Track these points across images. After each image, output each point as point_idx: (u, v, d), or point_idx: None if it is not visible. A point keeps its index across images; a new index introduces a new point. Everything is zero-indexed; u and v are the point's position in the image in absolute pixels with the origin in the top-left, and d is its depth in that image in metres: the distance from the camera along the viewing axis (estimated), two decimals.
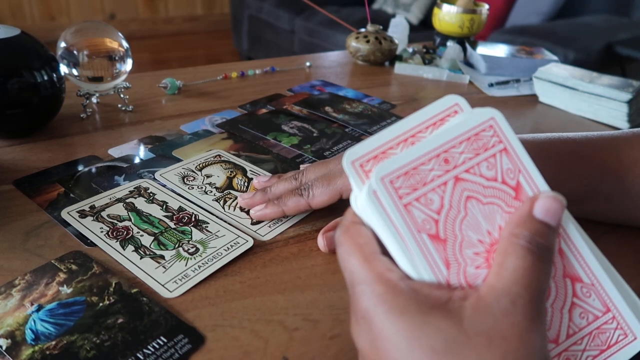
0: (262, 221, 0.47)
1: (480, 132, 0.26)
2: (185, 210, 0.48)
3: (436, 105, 0.28)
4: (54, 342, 0.33)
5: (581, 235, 0.26)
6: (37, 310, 0.36)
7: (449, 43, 1.02)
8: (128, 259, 0.41)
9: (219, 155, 0.58)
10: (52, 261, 0.40)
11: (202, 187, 0.52)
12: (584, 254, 0.26)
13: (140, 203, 0.48)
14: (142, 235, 0.44)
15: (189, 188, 0.51)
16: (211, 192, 0.51)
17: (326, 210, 0.50)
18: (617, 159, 0.44)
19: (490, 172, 0.26)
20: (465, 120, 0.26)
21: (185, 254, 0.42)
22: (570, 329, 0.26)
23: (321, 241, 0.44)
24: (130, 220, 0.46)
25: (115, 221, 0.45)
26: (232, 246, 0.43)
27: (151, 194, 0.50)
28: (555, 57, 0.96)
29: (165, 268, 0.40)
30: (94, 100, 0.70)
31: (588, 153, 0.45)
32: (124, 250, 0.42)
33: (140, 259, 0.41)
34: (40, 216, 0.46)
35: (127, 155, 0.57)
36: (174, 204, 0.48)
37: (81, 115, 0.66)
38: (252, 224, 0.47)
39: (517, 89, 0.89)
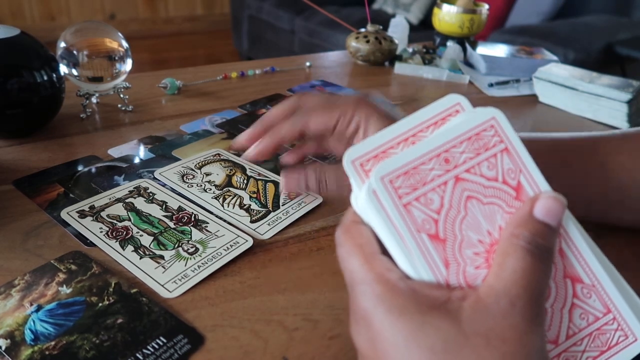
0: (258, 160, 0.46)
1: (482, 131, 0.26)
2: (185, 210, 0.48)
3: (438, 104, 0.28)
4: (53, 343, 0.33)
5: (582, 235, 0.26)
6: (37, 311, 0.36)
7: (449, 43, 1.02)
8: (127, 259, 0.41)
9: (219, 154, 0.58)
10: (52, 261, 0.40)
11: (201, 185, 0.51)
12: (584, 255, 0.26)
13: (139, 203, 0.48)
14: (141, 235, 0.44)
15: (188, 186, 0.51)
16: (210, 189, 0.51)
17: (326, 209, 0.50)
18: (601, 167, 0.43)
19: (491, 172, 0.26)
20: (466, 119, 0.26)
21: (184, 254, 0.42)
22: (570, 330, 0.26)
23: (281, 180, 0.43)
24: (129, 220, 0.46)
25: (115, 221, 0.45)
26: (231, 246, 0.43)
27: (151, 194, 0.50)
28: (555, 57, 0.96)
29: (164, 268, 0.40)
30: (93, 100, 0.70)
31: (571, 158, 0.44)
32: (124, 250, 0.42)
33: (140, 259, 0.41)
34: (40, 216, 0.46)
35: (126, 155, 0.57)
36: (174, 203, 0.48)
37: (81, 115, 0.66)
38: (251, 222, 0.47)
39: (517, 89, 0.89)
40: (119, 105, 0.70)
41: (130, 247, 0.42)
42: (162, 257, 0.42)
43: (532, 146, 0.44)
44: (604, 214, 0.45)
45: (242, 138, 0.45)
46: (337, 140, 0.44)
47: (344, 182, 0.41)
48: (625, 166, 0.43)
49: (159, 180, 0.52)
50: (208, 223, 0.46)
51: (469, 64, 1.00)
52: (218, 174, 0.54)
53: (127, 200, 0.48)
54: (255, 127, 0.45)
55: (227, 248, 0.43)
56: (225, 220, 0.47)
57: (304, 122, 0.42)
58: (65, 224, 0.45)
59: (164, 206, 0.48)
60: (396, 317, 0.23)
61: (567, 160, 0.44)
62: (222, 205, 0.49)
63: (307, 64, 0.94)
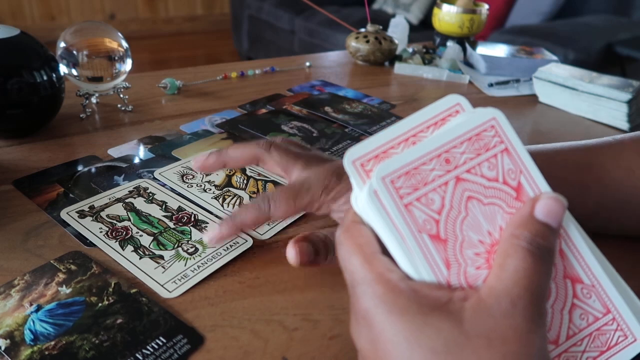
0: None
1: (482, 132, 0.26)
2: (185, 210, 0.48)
3: (438, 104, 0.28)
4: (53, 343, 0.33)
5: (582, 236, 0.26)
6: (36, 311, 0.36)
7: (449, 43, 1.02)
8: (127, 259, 0.41)
9: None
10: (52, 261, 0.40)
11: (201, 185, 0.51)
12: (584, 255, 0.26)
13: (139, 203, 0.48)
14: (141, 236, 0.44)
15: (188, 186, 0.51)
16: (210, 189, 0.51)
17: None
18: (600, 181, 0.43)
19: (492, 173, 0.26)
20: (466, 120, 0.26)
21: (184, 254, 0.42)
22: (570, 330, 0.26)
23: (292, 251, 0.38)
24: (129, 220, 0.46)
25: (115, 221, 0.45)
26: (231, 246, 0.43)
27: (150, 194, 0.50)
28: (555, 57, 0.96)
29: (164, 268, 0.40)
30: (93, 100, 0.70)
31: (568, 174, 0.43)
32: (123, 250, 0.42)
33: (140, 259, 0.41)
34: (39, 216, 0.46)
35: (126, 155, 0.57)
36: (174, 203, 0.48)
37: (81, 115, 0.66)
38: None
39: (517, 89, 0.89)
40: (119, 105, 0.69)
41: (130, 247, 0.42)
42: (161, 257, 0.42)
43: None
44: (605, 226, 0.45)
45: (196, 164, 0.43)
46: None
47: None
48: (624, 179, 0.43)
49: (159, 180, 0.52)
50: (208, 223, 0.46)
51: (469, 64, 1.00)
52: (218, 174, 0.54)
53: (126, 200, 0.48)
54: (211, 158, 0.43)
55: (227, 248, 0.43)
56: None
57: (270, 213, 0.39)
58: (65, 224, 0.45)
59: (163, 206, 0.48)
60: (397, 317, 0.23)
61: (563, 177, 0.43)
62: (222, 206, 0.49)
63: (307, 64, 0.94)
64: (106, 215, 0.46)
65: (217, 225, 0.40)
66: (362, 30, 0.98)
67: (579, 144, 0.46)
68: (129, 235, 0.44)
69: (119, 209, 0.47)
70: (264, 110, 0.72)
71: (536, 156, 0.44)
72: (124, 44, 0.68)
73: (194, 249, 0.43)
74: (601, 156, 0.44)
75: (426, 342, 0.22)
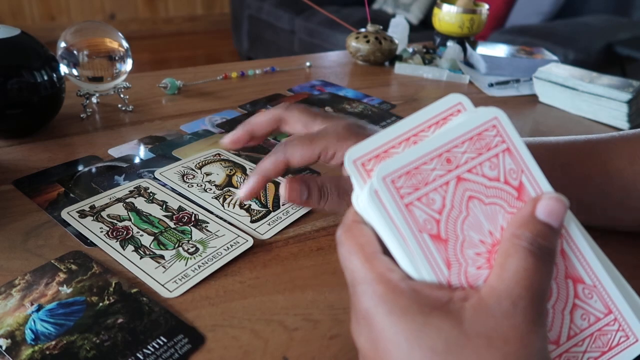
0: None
1: (483, 131, 0.26)
2: (185, 210, 0.48)
3: (439, 104, 0.28)
4: (53, 342, 0.33)
5: (583, 236, 0.26)
6: (37, 310, 0.36)
7: (449, 43, 1.02)
8: (128, 259, 0.41)
9: (219, 154, 0.58)
10: (52, 261, 0.40)
11: (201, 185, 0.51)
12: (586, 255, 0.26)
13: (140, 203, 0.48)
14: (142, 235, 0.44)
15: (188, 186, 0.51)
16: (211, 189, 0.51)
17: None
18: (602, 169, 0.43)
19: (493, 172, 0.26)
20: (468, 119, 0.26)
21: (185, 254, 0.42)
22: (572, 331, 0.26)
23: (283, 187, 0.39)
24: (130, 220, 0.46)
25: (115, 221, 0.45)
26: (232, 246, 0.43)
27: (151, 194, 0.50)
28: (555, 57, 0.96)
29: (165, 268, 0.40)
30: (94, 100, 0.70)
31: (571, 163, 0.44)
32: (124, 250, 0.42)
33: (140, 258, 0.41)
34: (40, 216, 0.46)
35: (127, 155, 0.57)
36: (174, 203, 0.48)
37: (81, 115, 0.66)
38: (252, 221, 0.47)
39: (517, 89, 0.89)
40: (119, 105, 0.69)
41: (130, 247, 0.42)
42: (162, 257, 0.42)
43: (532, 150, 0.44)
44: (605, 218, 0.45)
45: (226, 140, 0.44)
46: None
47: (345, 191, 0.40)
48: (625, 168, 0.43)
49: (159, 180, 0.52)
50: (208, 223, 0.46)
51: (469, 64, 1.00)
52: (218, 173, 0.54)
53: (127, 200, 0.48)
54: (238, 131, 0.44)
55: (228, 248, 0.43)
56: (225, 220, 0.47)
57: (287, 157, 0.41)
58: (66, 224, 0.45)
59: (164, 206, 0.48)
60: (398, 317, 0.23)
61: (567, 164, 0.43)
62: (223, 205, 0.49)
63: (307, 64, 0.94)
64: (107, 215, 0.46)
65: (245, 182, 0.41)
66: (362, 30, 0.99)
67: (582, 136, 0.46)
68: (130, 235, 0.44)
69: (119, 209, 0.47)
70: (264, 111, 0.72)
71: (541, 145, 0.45)
72: (125, 44, 0.68)
73: (194, 248, 0.43)
74: (604, 145, 0.44)
75: (427, 342, 0.23)
